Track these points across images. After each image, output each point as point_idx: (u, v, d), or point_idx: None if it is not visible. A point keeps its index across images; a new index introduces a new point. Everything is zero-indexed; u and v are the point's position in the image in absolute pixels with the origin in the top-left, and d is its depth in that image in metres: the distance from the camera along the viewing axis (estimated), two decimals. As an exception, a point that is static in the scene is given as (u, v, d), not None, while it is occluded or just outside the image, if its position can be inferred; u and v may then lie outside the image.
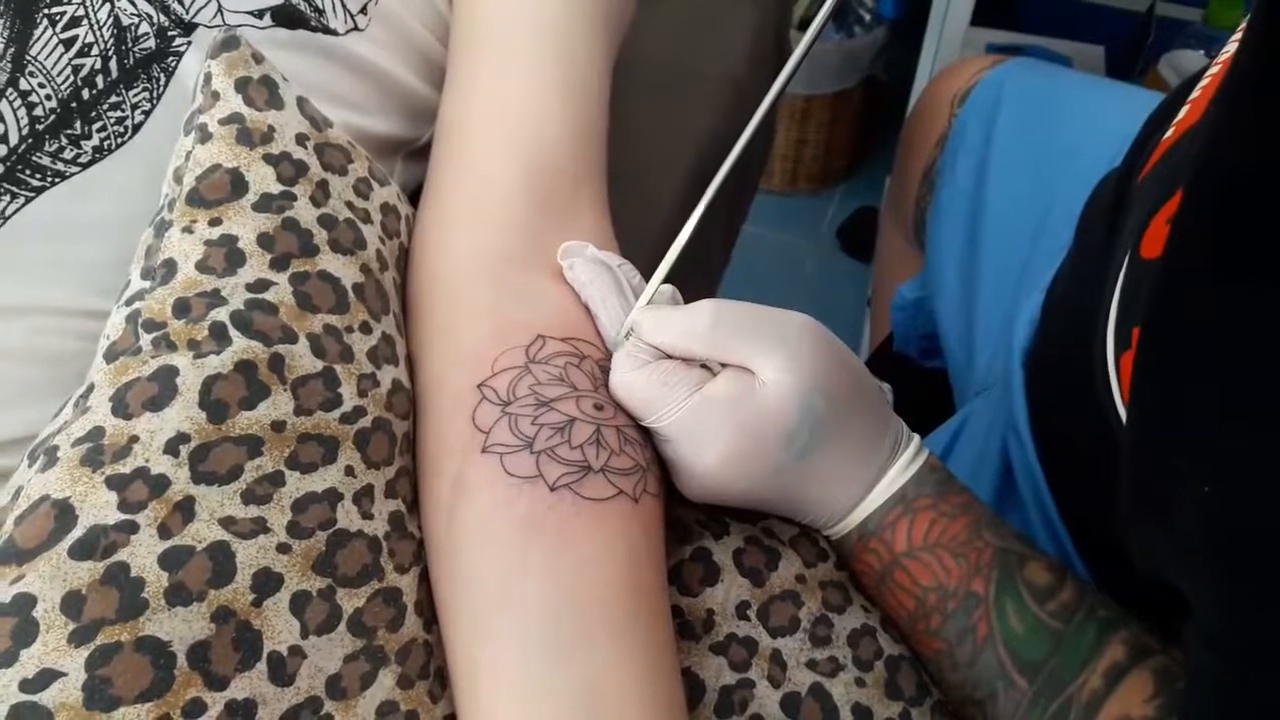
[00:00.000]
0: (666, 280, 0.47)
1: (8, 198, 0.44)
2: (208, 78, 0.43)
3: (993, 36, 1.66)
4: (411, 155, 0.59)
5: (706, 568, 0.45)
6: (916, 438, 0.47)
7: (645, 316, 0.45)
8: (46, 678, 0.31)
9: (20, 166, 0.44)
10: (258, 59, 0.44)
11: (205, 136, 0.42)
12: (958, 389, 0.86)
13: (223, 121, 0.43)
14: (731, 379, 0.43)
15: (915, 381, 0.67)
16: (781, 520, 0.48)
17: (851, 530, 0.45)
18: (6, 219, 0.44)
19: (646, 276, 0.48)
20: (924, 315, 0.97)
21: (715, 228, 0.91)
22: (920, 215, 0.96)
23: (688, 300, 0.46)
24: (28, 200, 0.44)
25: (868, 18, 1.65)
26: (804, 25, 1.61)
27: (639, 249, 0.70)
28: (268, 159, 0.43)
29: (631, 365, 0.43)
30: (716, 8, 0.91)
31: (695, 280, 0.84)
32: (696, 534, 0.46)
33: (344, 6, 0.52)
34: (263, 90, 0.44)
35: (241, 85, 0.43)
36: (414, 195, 0.52)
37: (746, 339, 0.43)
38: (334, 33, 0.51)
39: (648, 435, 0.44)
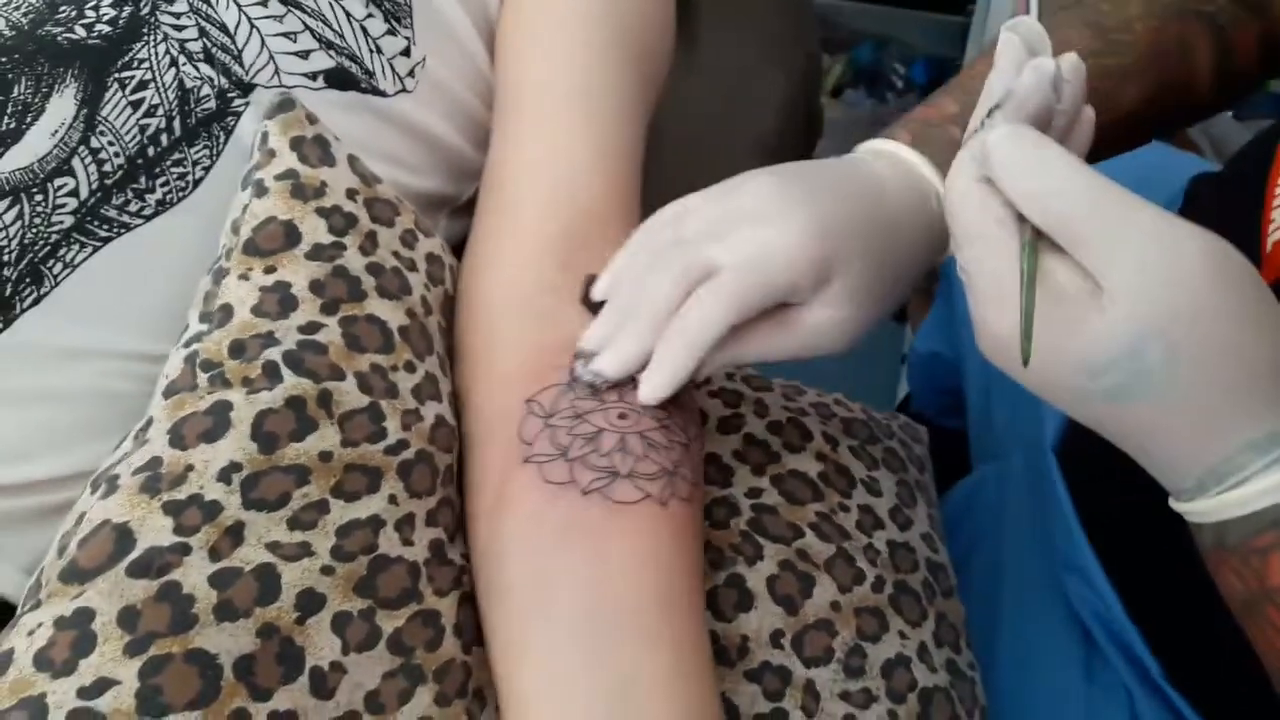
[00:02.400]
0: None
1: (77, 247, 0.47)
2: (264, 136, 0.46)
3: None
4: (455, 212, 0.61)
5: (740, 594, 0.46)
6: None
7: (1011, 130, 0.36)
8: (102, 685, 0.32)
9: (89, 218, 0.47)
10: (311, 119, 0.47)
11: (261, 191, 0.45)
12: (975, 445, 0.85)
13: (278, 177, 0.45)
14: (1074, 270, 0.35)
15: (932, 440, 0.67)
16: (819, 539, 0.49)
17: (1199, 526, 0.38)
18: (76, 267, 0.46)
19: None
20: (940, 369, 0.97)
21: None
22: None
23: None
24: (95, 250, 0.47)
25: (900, 84, 1.68)
26: (836, 93, 1.65)
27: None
28: (320, 212, 0.45)
29: (972, 175, 0.37)
30: (748, 77, 0.93)
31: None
32: (729, 559, 0.47)
33: (393, 70, 0.55)
34: (315, 148, 0.47)
35: (296, 144, 0.46)
36: (457, 250, 0.54)
37: (1114, 232, 0.34)
38: (383, 94, 0.54)
39: (673, 438, 0.43)
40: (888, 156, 0.48)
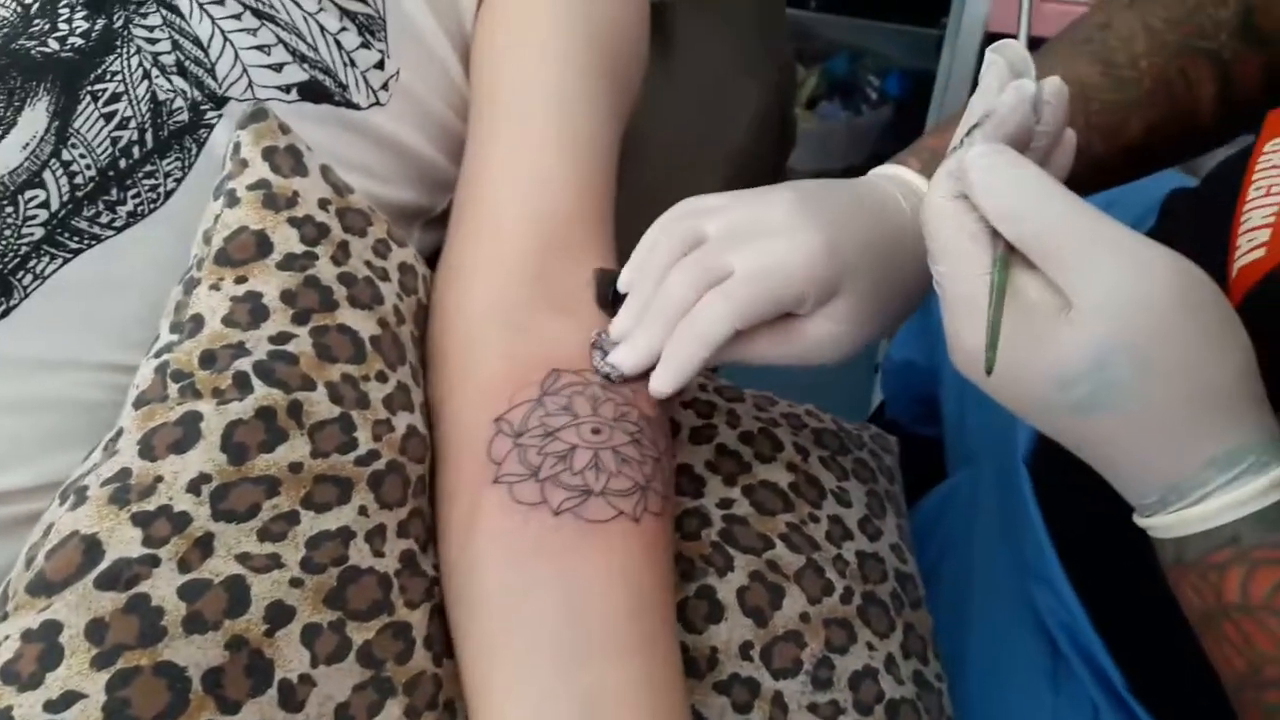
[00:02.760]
0: None
1: (48, 259, 0.46)
2: (236, 147, 0.46)
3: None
4: (429, 224, 0.61)
5: (710, 606, 0.46)
6: None
7: (988, 149, 0.37)
8: (69, 699, 0.32)
9: (60, 230, 0.47)
10: (284, 129, 0.47)
11: (233, 201, 0.45)
12: (950, 451, 0.86)
13: (250, 187, 0.45)
14: (1045, 286, 0.37)
15: (904, 448, 0.67)
16: (790, 550, 0.49)
17: (1161, 541, 0.39)
18: (46, 278, 0.46)
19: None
20: (915, 377, 0.98)
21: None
22: None
23: None
24: (66, 261, 0.47)
25: (874, 96, 1.70)
26: (811, 104, 1.66)
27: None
28: (292, 221, 0.45)
29: (949, 191, 0.38)
30: (722, 86, 0.94)
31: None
32: (700, 570, 0.47)
33: (367, 83, 0.55)
34: (288, 158, 0.47)
35: (268, 154, 0.46)
36: (431, 261, 0.54)
37: (1086, 251, 0.36)
38: (357, 107, 0.54)
39: (646, 452, 0.45)
40: (898, 182, 0.49)
